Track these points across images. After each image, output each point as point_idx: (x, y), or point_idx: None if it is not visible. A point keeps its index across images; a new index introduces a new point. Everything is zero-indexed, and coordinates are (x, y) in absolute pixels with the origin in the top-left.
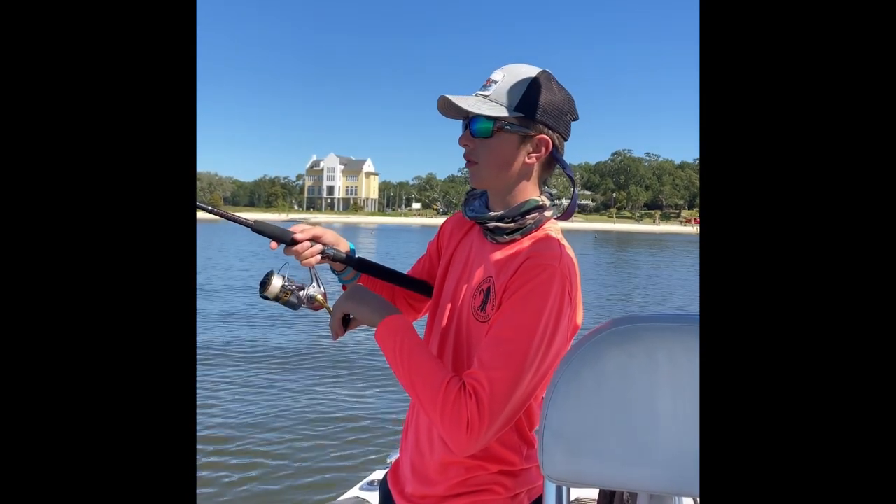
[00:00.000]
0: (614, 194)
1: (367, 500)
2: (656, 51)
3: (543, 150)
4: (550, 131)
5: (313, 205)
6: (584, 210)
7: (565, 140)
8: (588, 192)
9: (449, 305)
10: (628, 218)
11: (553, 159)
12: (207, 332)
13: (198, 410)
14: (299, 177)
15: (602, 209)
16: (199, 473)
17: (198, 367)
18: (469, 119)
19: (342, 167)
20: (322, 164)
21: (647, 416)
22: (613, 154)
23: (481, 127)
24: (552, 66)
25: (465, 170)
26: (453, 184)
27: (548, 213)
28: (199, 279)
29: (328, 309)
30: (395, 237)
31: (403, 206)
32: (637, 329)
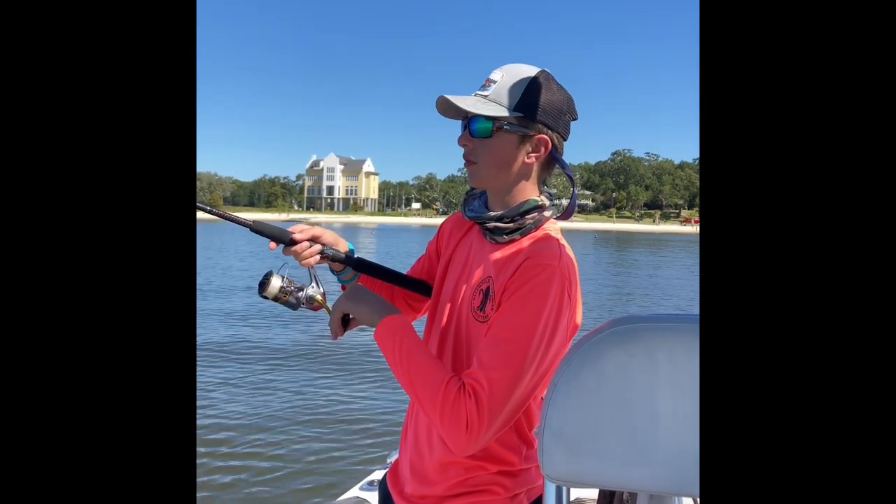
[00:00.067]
0: (614, 194)
1: (366, 501)
2: (656, 51)
3: (543, 149)
4: (550, 131)
5: (313, 205)
6: (583, 210)
7: (565, 140)
8: (588, 192)
9: (448, 305)
10: (628, 218)
11: (552, 159)
12: (207, 332)
13: (198, 410)
14: (299, 177)
15: (602, 209)
16: (198, 474)
17: (198, 367)
18: (468, 119)
19: (342, 167)
20: (322, 164)
21: (647, 416)
22: (613, 154)
23: (480, 127)
24: (552, 66)
25: (465, 170)
26: (453, 184)
27: (547, 213)
28: (199, 279)
29: (327, 309)
30: (394, 237)
31: (403, 206)
32: (637, 329)
